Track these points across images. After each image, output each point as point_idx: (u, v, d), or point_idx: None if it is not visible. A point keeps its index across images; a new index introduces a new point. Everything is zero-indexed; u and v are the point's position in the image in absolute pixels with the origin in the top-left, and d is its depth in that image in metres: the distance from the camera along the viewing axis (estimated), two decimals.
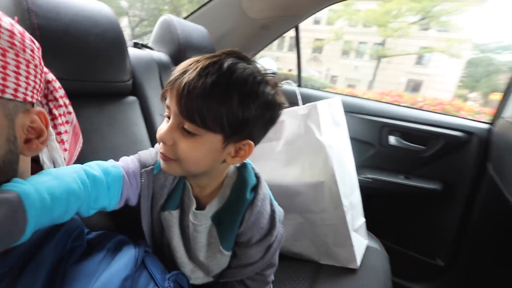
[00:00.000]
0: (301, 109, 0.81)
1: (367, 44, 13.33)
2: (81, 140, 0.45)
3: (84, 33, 0.52)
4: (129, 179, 0.40)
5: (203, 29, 0.95)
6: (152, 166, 0.43)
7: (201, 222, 0.43)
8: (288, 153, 0.80)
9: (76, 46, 0.51)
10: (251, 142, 0.38)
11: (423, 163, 1.10)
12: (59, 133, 0.38)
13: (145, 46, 0.85)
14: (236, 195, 0.43)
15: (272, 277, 0.50)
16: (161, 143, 0.37)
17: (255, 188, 0.43)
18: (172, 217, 0.44)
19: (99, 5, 0.57)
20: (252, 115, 0.35)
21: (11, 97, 0.27)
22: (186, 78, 0.33)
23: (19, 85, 0.28)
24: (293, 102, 0.99)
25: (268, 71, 0.38)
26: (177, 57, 0.83)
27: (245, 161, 0.46)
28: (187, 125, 0.34)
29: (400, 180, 1.11)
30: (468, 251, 1.04)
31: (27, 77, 0.29)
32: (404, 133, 1.11)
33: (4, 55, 0.26)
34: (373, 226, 0.92)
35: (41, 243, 0.32)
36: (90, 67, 0.54)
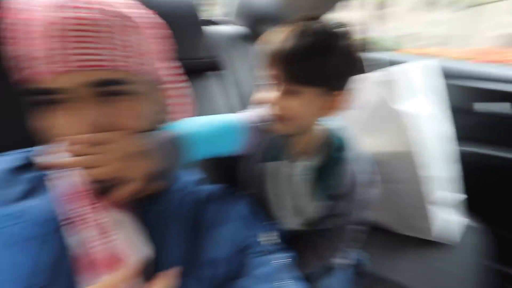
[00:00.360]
0: (380, 75, 0.75)
1: None
2: (190, 110, 0.53)
3: (167, 16, 0.57)
4: (247, 131, 0.48)
5: None
6: (262, 123, 0.50)
7: (302, 173, 0.50)
8: (366, 123, 0.77)
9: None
10: (344, 92, 0.43)
11: None
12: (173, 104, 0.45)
13: (217, 21, 0.88)
14: (330, 153, 0.49)
15: (352, 234, 0.55)
16: (268, 107, 0.43)
17: (345, 148, 0.49)
18: (276, 166, 0.51)
19: None
20: (343, 67, 0.40)
21: (153, 76, 0.34)
22: (286, 45, 0.39)
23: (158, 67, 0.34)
24: (371, 69, 0.92)
25: (347, 26, 0.41)
26: (253, 28, 0.85)
27: (336, 123, 0.51)
28: (292, 86, 0.40)
29: (505, 153, 0.95)
30: None
31: (161, 59, 0.35)
32: (506, 98, 0.93)
33: (151, 44, 0.33)
34: (473, 204, 0.85)
35: (175, 193, 0.39)
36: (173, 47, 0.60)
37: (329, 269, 0.59)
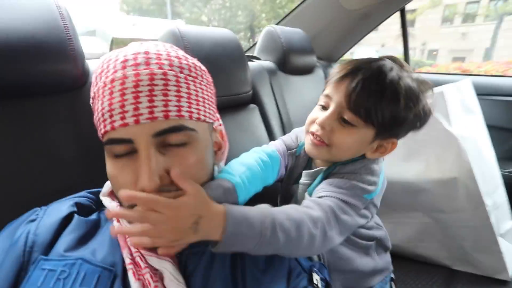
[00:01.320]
0: None
1: (480, 3, 10.60)
2: (227, 146, 0.55)
3: (218, 57, 0.62)
4: (282, 159, 0.49)
5: (300, 31, 0.99)
6: (295, 149, 0.51)
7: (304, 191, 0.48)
8: (407, 147, 0.74)
9: (214, 69, 0.61)
10: (396, 141, 0.41)
11: None
12: None
13: (254, 57, 0.94)
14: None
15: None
16: (316, 128, 0.42)
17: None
18: (302, 186, 0.48)
19: (223, 31, 0.67)
20: (409, 118, 0.38)
21: (211, 121, 0.35)
22: (360, 76, 0.38)
23: (213, 111, 0.36)
24: None
25: (425, 80, 0.40)
26: (282, 62, 0.89)
27: None
28: (348, 116, 0.39)
29: None
30: None
31: (213, 103, 0.37)
32: None
33: (207, 90, 0.34)
34: None
35: None
36: (223, 85, 0.64)
37: None
